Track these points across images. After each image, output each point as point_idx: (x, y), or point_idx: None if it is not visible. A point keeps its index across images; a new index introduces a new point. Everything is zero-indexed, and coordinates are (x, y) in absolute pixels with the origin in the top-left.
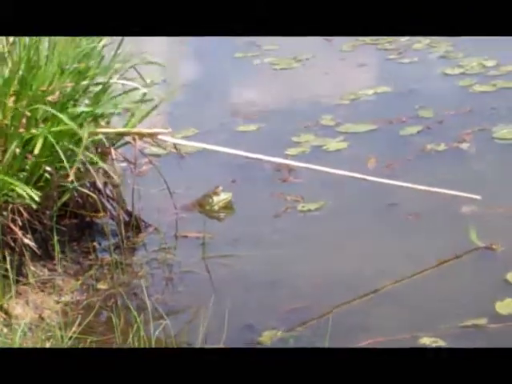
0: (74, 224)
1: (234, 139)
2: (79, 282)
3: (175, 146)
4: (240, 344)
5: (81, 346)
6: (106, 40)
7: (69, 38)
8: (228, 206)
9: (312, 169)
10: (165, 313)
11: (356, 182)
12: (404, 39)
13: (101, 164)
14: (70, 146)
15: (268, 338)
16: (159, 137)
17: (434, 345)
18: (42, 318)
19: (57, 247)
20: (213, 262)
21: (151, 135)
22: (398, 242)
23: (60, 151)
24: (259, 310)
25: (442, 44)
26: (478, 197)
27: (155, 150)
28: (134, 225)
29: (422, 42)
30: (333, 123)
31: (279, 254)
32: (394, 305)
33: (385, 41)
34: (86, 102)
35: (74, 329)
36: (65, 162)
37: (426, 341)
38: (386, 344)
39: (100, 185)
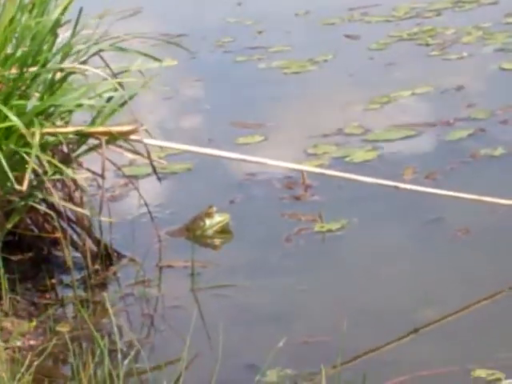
0: (27, 258)
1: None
2: (33, 323)
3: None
4: None
5: None
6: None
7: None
8: (224, 231)
9: (332, 180)
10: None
11: (388, 199)
12: (449, 32)
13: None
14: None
15: (275, 376)
16: (133, 137)
17: (490, 378)
18: None
19: (4, 282)
20: (205, 296)
21: (122, 134)
22: (445, 266)
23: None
24: (264, 347)
25: (498, 35)
26: None
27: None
28: (104, 255)
29: (472, 35)
30: (359, 131)
31: (290, 283)
32: (441, 340)
33: (426, 35)
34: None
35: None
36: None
37: (482, 373)
38: (432, 379)
39: (59, 204)
